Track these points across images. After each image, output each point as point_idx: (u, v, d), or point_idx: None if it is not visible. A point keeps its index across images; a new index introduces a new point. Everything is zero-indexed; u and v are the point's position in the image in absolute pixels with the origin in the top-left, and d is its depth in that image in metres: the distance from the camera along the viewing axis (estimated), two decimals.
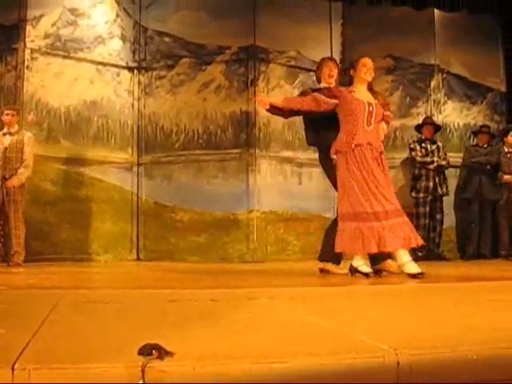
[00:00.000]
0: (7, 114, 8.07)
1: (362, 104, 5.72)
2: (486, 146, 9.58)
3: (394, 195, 5.63)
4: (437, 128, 9.65)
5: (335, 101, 5.80)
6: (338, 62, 10.15)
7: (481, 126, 9.88)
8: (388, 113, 6.05)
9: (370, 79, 5.89)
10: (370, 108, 5.71)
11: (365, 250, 5.40)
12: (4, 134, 8.02)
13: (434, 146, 9.43)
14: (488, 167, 9.39)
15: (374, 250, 5.33)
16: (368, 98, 5.82)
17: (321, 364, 1.94)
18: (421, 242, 5.50)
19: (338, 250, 5.65)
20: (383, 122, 5.94)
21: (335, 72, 6.35)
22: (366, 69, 5.83)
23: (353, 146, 5.60)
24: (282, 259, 9.37)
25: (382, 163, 5.71)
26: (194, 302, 3.57)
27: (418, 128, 9.63)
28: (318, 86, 6.40)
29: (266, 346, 2.15)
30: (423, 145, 9.41)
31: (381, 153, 5.74)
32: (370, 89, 5.93)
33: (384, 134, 6.01)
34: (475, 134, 9.90)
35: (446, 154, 9.52)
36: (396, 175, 9.95)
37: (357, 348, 2.10)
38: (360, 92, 5.83)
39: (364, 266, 5.52)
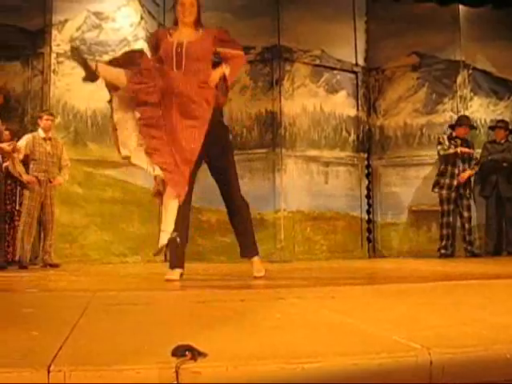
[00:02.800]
0: (47, 119, 8.15)
1: (169, 45, 5.06)
2: (503, 141, 9.48)
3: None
4: (471, 128, 9.58)
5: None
6: (363, 60, 10.22)
7: (497, 121, 9.79)
8: (225, 50, 5.21)
9: (189, 20, 5.15)
10: (179, 49, 4.99)
11: None
12: (45, 139, 8.11)
13: (464, 146, 9.35)
14: (504, 164, 9.30)
15: None
16: (186, 37, 5.09)
17: (353, 364, 1.94)
18: None
19: None
20: (223, 64, 5.16)
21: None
22: (183, 9, 5.15)
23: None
24: (309, 258, 9.37)
25: (191, 113, 4.94)
26: (223, 302, 3.57)
27: (452, 127, 9.55)
28: None
29: (298, 346, 2.15)
30: (453, 142, 9.33)
31: (193, 101, 4.93)
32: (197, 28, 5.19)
33: (221, 77, 5.15)
34: (492, 128, 9.81)
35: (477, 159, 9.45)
36: (424, 173, 9.92)
37: (389, 347, 2.09)
38: (178, 34, 5.16)
39: None
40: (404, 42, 10.15)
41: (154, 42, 5.34)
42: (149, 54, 5.45)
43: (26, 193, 7.94)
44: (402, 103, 10.45)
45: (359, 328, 2.55)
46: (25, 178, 7.84)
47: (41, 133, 8.12)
